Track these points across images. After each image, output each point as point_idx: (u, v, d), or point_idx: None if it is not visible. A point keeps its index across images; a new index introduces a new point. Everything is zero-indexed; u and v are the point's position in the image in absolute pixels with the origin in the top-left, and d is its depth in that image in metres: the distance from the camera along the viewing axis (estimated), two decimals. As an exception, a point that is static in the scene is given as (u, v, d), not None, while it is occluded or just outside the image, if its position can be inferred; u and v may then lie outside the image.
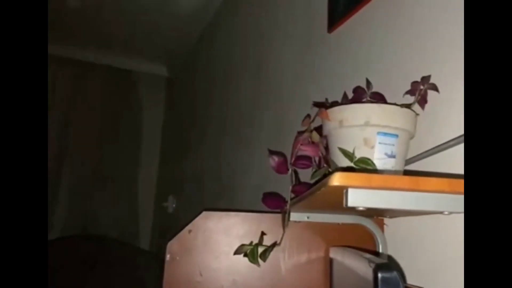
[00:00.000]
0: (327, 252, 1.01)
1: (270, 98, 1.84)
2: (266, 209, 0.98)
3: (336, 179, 0.50)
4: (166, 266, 0.96)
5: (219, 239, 1.00)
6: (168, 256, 0.97)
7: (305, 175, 0.98)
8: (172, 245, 0.97)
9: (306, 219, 0.98)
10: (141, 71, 3.71)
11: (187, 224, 0.99)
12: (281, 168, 0.86)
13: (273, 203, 0.89)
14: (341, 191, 0.53)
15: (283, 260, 1.00)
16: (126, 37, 3.27)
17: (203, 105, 2.84)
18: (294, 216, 0.95)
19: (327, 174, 0.78)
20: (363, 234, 1.00)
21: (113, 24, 3.10)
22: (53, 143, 3.28)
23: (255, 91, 2.03)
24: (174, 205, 3.07)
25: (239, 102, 2.22)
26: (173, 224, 3.03)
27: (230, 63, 2.44)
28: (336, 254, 0.92)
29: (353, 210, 0.90)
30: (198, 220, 1.00)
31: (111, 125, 3.55)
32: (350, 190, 0.53)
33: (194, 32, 3.09)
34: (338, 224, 1.00)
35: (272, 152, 0.86)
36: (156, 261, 2.76)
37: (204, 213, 1.00)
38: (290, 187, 0.86)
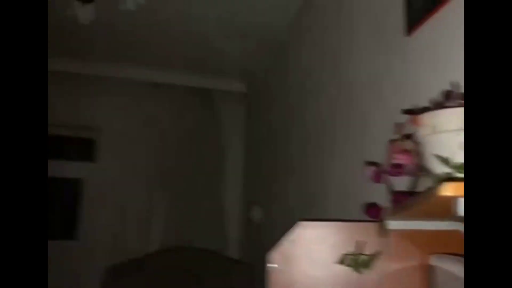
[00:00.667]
0: (425, 259, 1.00)
1: (350, 105, 1.85)
2: (362, 217, 1.00)
3: (448, 189, 0.51)
4: (268, 275, 1.01)
5: (316, 248, 1.03)
6: (269, 266, 1.02)
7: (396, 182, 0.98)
8: (273, 255, 1.03)
9: (402, 227, 0.98)
10: (220, 89, 3.90)
11: (284, 234, 1.04)
12: (377, 177, 0.87)
13: (375, 212, 0.90)
14: (449, 199, 0.54)
15: (381, 268, 1.00)
16: (204, 57, 3.45)
17: (283, 116, 2.91)
18: (391, 224, 0.96)
19: (436, 183, 0.78)
20: (460, 240, 0.98)
21: (192, 46, 3.29)
22: (148, 164, 3.57)
23: (334, 99, 2.04)
24: (260, 216, 3.15)
25: (318, 111, 2.25)
26: (261, 234, 3.12)
27: (308, 74, 2.48)
28: (439, 262, 0.90)
29: (451, 216, 0.88)
30: (295, 230, 1.04)
31: (196, 142, 3.77)
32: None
33: (270, 47, 3.19)
34: (434, 231, 0.99)
35: (368, 163, 0.88)
36: (249, 270, 2.85)
37: (300, 223, 1.04)
38: (390, 196, 0.87)
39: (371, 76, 1.68)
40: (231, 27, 2.95)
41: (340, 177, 1.90)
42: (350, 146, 1.83)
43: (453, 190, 0.51)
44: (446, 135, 0.85)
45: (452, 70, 1.16)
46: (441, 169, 0.86)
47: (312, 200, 2.24)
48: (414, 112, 0.96)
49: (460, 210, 0.53)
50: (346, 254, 0.94)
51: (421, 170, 0.89)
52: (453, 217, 0.90)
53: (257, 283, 2.88)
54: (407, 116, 0.92)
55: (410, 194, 0.75)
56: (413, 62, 1.38)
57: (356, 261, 0.91)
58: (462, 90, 0.97)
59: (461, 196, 0.52)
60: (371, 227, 0.98)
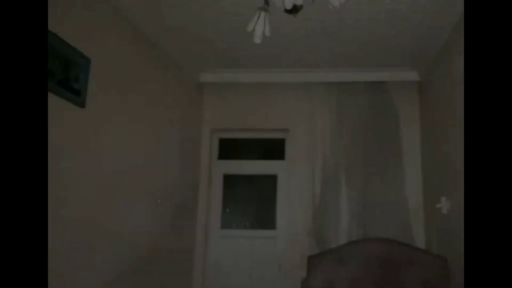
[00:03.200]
0: None
1: None
2: None
3: None
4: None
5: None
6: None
7: None
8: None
9: None
10: (393, 80, 3.92)
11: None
12: None
13: None
14: None
15: None
16: (377, 50, 3.51)
17: (460, 101, 2.79)
18: None
19: None
20: None
21: (364, 43, 3.39)
22: (332, 158, 3.85)
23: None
24: (448, 207, 3.09)
25: None
26: (450, 225, 3.06)
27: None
28: None
29: None
30: None
31: (376, 135, 3.88)
32: None
33: (442, 32, 3.09)
34: None
35: None
36: (440, 261, 2.85)
37: None
38: None
39: None
40: (399, 14, 2.95)
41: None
42: None
43: None
44: None
45: None
46: None
47: None
48: None
49: None
50: None
51: None
52: None
53: (451, 275, 2.85)
54: None
55: None
56: None
57: None
58: None
59: None
60: None
